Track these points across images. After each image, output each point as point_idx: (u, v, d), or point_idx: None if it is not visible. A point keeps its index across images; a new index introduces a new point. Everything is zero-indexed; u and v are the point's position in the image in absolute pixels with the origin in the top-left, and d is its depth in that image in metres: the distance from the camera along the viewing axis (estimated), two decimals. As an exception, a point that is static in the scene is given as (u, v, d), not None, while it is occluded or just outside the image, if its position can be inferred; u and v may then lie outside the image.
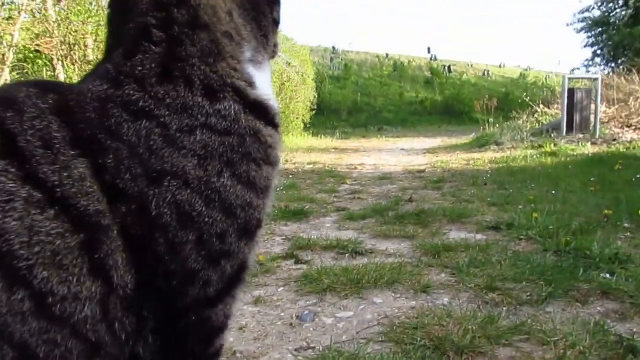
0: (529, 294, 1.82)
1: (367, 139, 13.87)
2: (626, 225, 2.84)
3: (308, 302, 1.84)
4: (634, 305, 1.70)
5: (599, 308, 1.72)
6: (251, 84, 0.72)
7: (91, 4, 7.21)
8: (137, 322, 0.61)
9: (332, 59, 26.41)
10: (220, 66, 0.68)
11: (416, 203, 3.89)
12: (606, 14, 17.99)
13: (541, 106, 12.53)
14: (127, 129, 0.61)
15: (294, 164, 7.34)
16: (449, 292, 1.88)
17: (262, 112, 0.72)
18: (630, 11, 16.73)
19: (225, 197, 0.66)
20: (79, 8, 6.87)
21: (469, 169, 6.42)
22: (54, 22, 6.72)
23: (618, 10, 17.71)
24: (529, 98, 12.98)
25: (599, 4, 17.89)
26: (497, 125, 11.65)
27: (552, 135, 9.28)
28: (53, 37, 6.62)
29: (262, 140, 0.71)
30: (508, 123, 11.80)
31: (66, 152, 0.57)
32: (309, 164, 7.34)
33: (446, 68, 28.28)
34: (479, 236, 2.76)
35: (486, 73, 29.83)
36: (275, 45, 0.83)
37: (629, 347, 1.38)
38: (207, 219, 0.64)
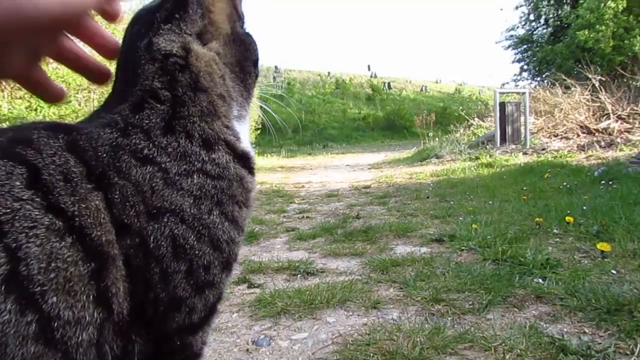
0: (471, 302, 1.94)
1: (312, 156, 14.05)
2: (555, 231, 3.06)
3: (263, 327, 1.87)
4: (564, 306, 1.85)
5: (533, 312, 1.86)
6: (238, 138, 0.83)
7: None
8: (123, 345, 0.65)
9: (274, 78, 26.59)
10: (216, 124, 0.79)
11: (363, 219, 4.01)
12: (529, 32, 19.32)
13: (476, 119, 13.24)
14: (135, 172, 0.69)
15: (242, 185, 7.30)
16: (398, 307, 1.97)
17: (246, 161, 0.83)
18: (550, 29, 18.07)
19: (214, 233, 0.74)
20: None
21: (412, 183, 6.66)
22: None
23: (540, 29, 19.09)
24: (464, 112, 13.69)
25: (523, 23, 19.22)
26: (437, 139, 12.17)
27: (488, 146, 9.82)
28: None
29: (244, 185, 0.81)
30: (447, 136, 12.35)
31: (84, 185, 0.64)
32: (256, 184, 7.34)
33: (386, 84, 29.22)
34: (423, 249, 2.88)
35: (424, 88, 31.06)
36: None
37: (560, 346, 1.50)
38: (197, 252, 0.72)
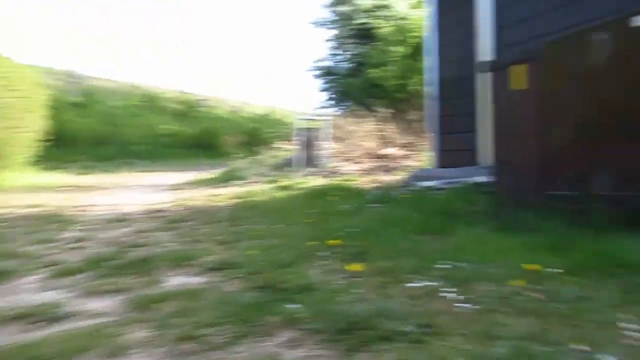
0: (224, 336, 1.92)
1: (112, 174, 12.91)
2: (325, 253, 3.28)
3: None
4: (310, 330, 1.95)
5: (283, 338, 1.91)
6: None
7: None
8: None
9: (71, 84, 23.85)
10: None
11: (146, 248, 3.76)
12: (335, 64, 21.41)
13: (281, 142, 13.92)
14: None
15: (6, 207, 6.24)
16: (145, 350, 1.83)
17: None
18: (352, 65, 20.29)
19: None
20: None
21: (209, 206, 6.57)
22: None
23: (343, 63, 21.27)
24: (274, 134, 14.29)
25: (330, 55, 21.30)
26: (244, 160, 12.38)
27: (289, 169, 10.34)
28: None
29: None
30: (253, 158, 12.66)
31: None
32: (27, 207, 6.35)
33: (198, 102, 28.70)
34: (197, 280, 2.81)
35: (237, 109, 31.43)
36: None
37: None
38: None
